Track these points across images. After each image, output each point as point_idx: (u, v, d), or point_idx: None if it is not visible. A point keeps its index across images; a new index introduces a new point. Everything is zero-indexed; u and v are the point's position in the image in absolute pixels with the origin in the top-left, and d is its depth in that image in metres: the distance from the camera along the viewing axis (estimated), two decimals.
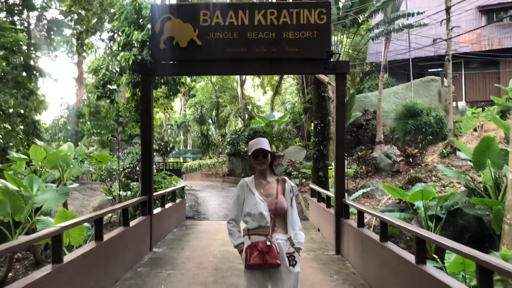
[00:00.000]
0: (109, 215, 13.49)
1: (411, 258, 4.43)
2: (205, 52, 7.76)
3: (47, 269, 4.14)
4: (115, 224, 13.06)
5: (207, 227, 10.74)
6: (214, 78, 44.96)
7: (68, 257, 4.52)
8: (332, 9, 16.23)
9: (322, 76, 11.48)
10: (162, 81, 17.04)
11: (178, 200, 11.09)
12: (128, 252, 6.53)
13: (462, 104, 24.84)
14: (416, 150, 14.72)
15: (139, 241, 7.27)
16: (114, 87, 16.59)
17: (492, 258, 3.21)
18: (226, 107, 42.70)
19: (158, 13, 7.88)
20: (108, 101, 17.70)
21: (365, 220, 11.61)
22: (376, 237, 5.59)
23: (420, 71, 25.36)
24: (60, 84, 78.55)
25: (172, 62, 8.00)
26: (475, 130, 19.63)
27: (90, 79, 38.97)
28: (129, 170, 13.55)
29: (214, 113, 42.61)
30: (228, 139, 23.26)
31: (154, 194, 8.77)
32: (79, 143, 22.35)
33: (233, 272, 6.34)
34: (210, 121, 40.49)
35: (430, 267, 4.16)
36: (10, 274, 11.49)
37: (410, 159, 14.05)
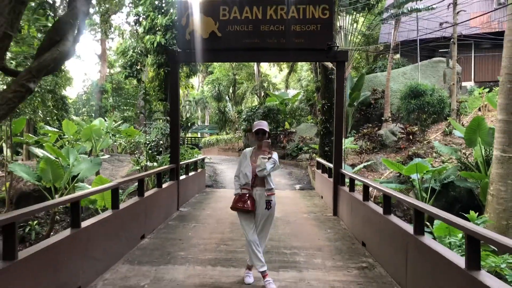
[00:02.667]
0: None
1: (380, 210, 5.82)
2: (224, 42, 9.09)
3: (108, 212, 5.66)
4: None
5: (225, 193, 12.25)
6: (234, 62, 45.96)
7: (122, 205, 6.03)
8: None
9: (326, 62, 12.71)
10: (183, 63, 18.39)
11: (199, 170, 12.59)
12: (161, 208, 8.07)
13: (471, 84, 25.62)
14: (416, 128, 15.87)
15: (169, 201, 8.81)
16: (140, 67, 18.03)
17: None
18: (243, 84, 43.82)
19: (184, 8, 9.20)
20: (132, 79, 19.17)
21: (373, 193, 13.01)
22: (361, 198, 6.98)
23: (431, 53, 26.10)
24: (83, 61, 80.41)
25: (196, 50, 9.33)
26: (479, 110, 20.56)
27: (113, 56, 40.50)
28: (155, 143, 15.03)
29: (231, 90, 43.81)
30: (244, 116, 24.61)
31: (182, 162, 10.26)
32: (106, 119, 23.99)
33: None
34: (227, 98, 41.77)
35: (392, 217, 5.53)
36: (52, 233, 13.24)
37: (410, 136, 15.25)
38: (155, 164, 14.22)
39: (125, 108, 37.52)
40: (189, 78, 19.88)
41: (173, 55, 9.47)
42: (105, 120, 22.59)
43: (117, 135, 15.31)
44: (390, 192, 5.50)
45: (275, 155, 4.95)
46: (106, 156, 16.38)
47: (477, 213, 12.33)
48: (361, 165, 14.09)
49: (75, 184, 13.11)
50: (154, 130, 15.84)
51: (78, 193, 5.00)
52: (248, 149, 5.18)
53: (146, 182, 14.24)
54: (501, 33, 24.79)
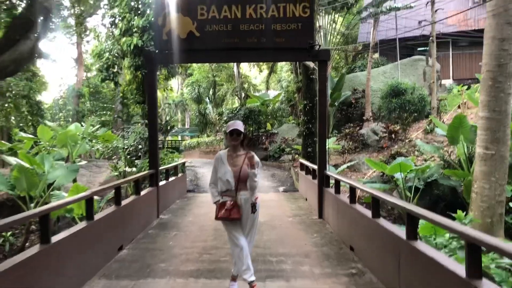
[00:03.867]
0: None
1: (368, 213, 5.60)
2: (203, 43, 8.78)
3: (83, 224, 5.30)
4: (123, 196, 14.20)
5: (206, 198, 11.90)
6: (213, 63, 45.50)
7: (97, 216, 5.67)
8: None
9: (309, 62, 12.52)
10: (161, 64, 17.99)
11: (180, 175, 12.24)
12: (140, 216, 7.71)
13: (449, 82, 25.86)
14: (399, 127, 15.84)
15: (149, 208, 8.45)
16: (117, 69, 17.56)
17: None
18: (223, 85, 43.49)
19: (161, 7, 8.86)
20: (109, 83, 18.70)
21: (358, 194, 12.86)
22: (347, 200, 6.76)
23: (410, 51, 26.27)
24: (59, 65, 78.78)
25: (173, 51, 8.99)
26: (459, 107, 20.69)
27: (89, 59, 39.68)
28: (133, 148, 14.63)
29: (211, 92, 43.42)
30: (225, 118, 24.31)
31: (161, 168, 9.91)
32: (83, 123, 23.40)
33: None
34: (207, 100, 41.40)
35: (382, 220, 5.32)
36: (27, 244, 12.70)
37: (393, 135, 15.19)
38: (134, 169, 13.81)
39: (102, 112, 36.82)
40: (168, 80, 19.50)
41: (149, 56, 9.11)
42: (82, 125, 22.01)
43: (93, 141, 14.83)
44: (379, 195, 5.29)
45: (256, 158, 4.72)
46: (83, 163, 15.87)
47: (464, 212, 12.41)
48: (344, 166, 13.95)
49: (51, 193, 12.62)
50: (132, 134, 15.43)
51: (46, 206, 4.64)
52: (222, 152, 4.83)
53: (125, 189, 13.83)
54: (478, 31, 25.22)
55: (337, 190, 7.76)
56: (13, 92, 15.62)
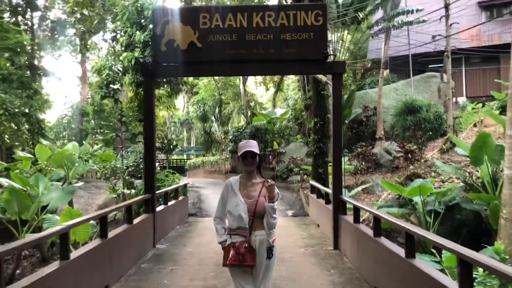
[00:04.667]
0: (114, 213, 13.79)
1: (400, 251, 4.66)
2: (205, 54, 7.97)
3: (55, 265, 4.39)
4: (119, 221, 13.33)
5: (209, 223, 10.95)
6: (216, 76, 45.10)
7: (74, 254, 4.77)
8: (332, 7, 16.46)
9: (320, 76, 11.70)
10: (164, 80, 17.26)
11: (180, 198, 11.34)
12: (132, 248, 6.79)
13: (462, 99, 24.94)
14: (415, 146, 14.89)
15: (143, 238, 7.53)
16: (118, 86, 16.83)
17: (472, 252, 3.36)
18: (229, 104, 42.84)
19: (160, 16, 8.09)
20: (112, 100, 17.94)
21: (365, 216, 11.87)
22: (370, 232, 5.81)
23: (421, 67, 25.45)
24: (64, 83, 79.02)
25: (173, 64, 8.19)
26: (475, 125, 19.75)
27: (94, 77, 39.28)
28: (133, 168, 13.78)
29: (217, 110, 42.77)
30: (231, 137, 23.48)
31: (157, 192, 9.03)
32: (84, 142, 22.64)
33: None
34: (213, 118, 40.72)
35: (418, 261, 4.38)
36: (18, 271, 11.79)
37: (409, 155, 14.23)
38: (133, 191, 12.95)
39: (106, 131, 36.22)
40: (172, 98, 18.75)
41: (147, 68, 8.30)
42: (82, 144, 21.30)
43: (90, 161, 14.00)
44: (416, 230, 4.34)
45: (276, 188, 3.67)
46: (81, 184, 15.02)
47: (486, 238, 11.38)
48: (359, 188, 12.99)
49: (44, 216, 11.78)
50: (132, 153, 14.61)
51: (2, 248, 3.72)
52: (233, 180, 3.82)
53: (123, 213, 12.96)
54: (491, 46, 24.43)
55: (357, 219, 6.81)
56: (9, 109, 14.87)
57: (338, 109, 8.02)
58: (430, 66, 26.08)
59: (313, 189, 11.35)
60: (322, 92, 12.47)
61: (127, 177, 13.16)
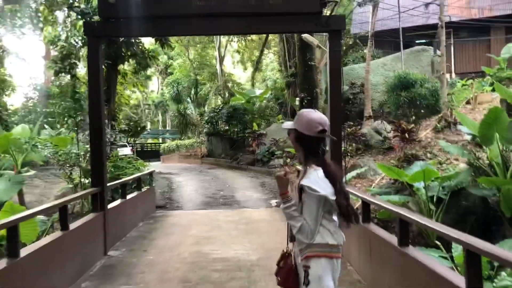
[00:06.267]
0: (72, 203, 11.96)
1: (452, 277, 3.05)
2: (166, 7, 6.18)
3: None
4: (79, 215, 11.50)
5: (180, 218, 9.27)
6: (192, 55, 42.91)
7: None
8: None
9: (310, 38, 9.97)
10: (129, 53, 15.25)
11: (145, 189, 9.58)
12: (67, 263, 5.03)
13: (451, 76, 23.70)
14: (412, 125, 13.41)
15: (87, 245, 5.77)
16: (75, 61, 14.82)
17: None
18: (205, 85, 40.87)
19: None
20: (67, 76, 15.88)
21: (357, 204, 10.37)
22: (393, 240, 4.21)
23: (407, 42, 24.01)
24: (30, 64, 74.88)
25: (124, 19, 6.33)
26: (467, 102, 18.62)
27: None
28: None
29: (193, 92, 40.75)
30: (206, 118, 21.66)
31: (112, 183, 7.28)
32: (46, 127, 20.66)
33: (205, 286, 4.92)
34: (189, 99, 38.69)
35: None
36: None
37: (406, 134, 12.73)
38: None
39: (77, 114, 33.90)
40: (137, 73, 16.78)
41: (90, 27, 6.43)
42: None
43: (39, 146, 12.05)
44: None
45: (306, 178, 2.52)
46: (32, 172, 13.10)
47: (495, 227, 10.09)
48: (353, 173, 11.46)
49: None
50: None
51: None
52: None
53: (81, 205, 11.20)
54: (482, 20, 23.13)
55: (367, 217, 5.19)
56: None
57: (337, 75, 6.33)
58: (417, 41, 24.67)
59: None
60: (310, 63, 10.77)
61: (85, 164, 11.28)
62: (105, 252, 6.34)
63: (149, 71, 55.60)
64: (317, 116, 2.53)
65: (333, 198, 2.40)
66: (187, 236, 7.42)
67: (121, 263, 6.00)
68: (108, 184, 6.83)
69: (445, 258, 6.95)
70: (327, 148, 2.76)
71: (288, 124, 2.59)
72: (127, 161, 10.86)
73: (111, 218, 6.71)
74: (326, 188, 2.41)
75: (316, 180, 2.42)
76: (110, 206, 6.88)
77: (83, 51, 14.71)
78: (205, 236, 7.34)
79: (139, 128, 16.13)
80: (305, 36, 13.64)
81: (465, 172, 10.34)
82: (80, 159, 11.43)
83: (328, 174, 2.46)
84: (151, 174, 10.39)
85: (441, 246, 7.26)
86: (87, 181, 11.32)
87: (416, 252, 3.85)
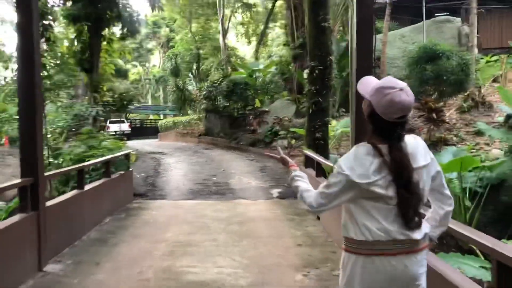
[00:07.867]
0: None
1: None
2: None
3: None
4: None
5: (158, 212, 7.50)
6: (194, 28, 40.73)
7: None
8: None
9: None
10: (113, 15, 13.43)
11: (117, 174, 7.82)
12: None
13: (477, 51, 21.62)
14: (441, 103, 11.52)
15: (8, 261, 4.02)
16: (48, 22, 13.03)
17: None
18: (208, 59, 38.81)
19: None
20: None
21: None
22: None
23: (427, 13, 21.85)
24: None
25: None
26: (493, 80, 16.81)
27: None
28: (61, 131, 10.20)
29: (194, 66, 38.72)
30: (204, 93, 19.77)
31: (58, 170, 5.51)
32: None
33: None
34: (190, 75, 36.70)
35: None
36: None
37: (434, 114, 10.85)
38: (62, 160, 9.35)
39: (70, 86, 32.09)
40: (124, 39, 14.86)
41: None
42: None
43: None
44: None
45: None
46: None
47: None
48: None
49: None
50: (63, 110, 10.97)
51: None
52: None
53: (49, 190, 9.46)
54: None
55: None
56: None
57: (367, 28, 4.44)
58: (436, 15, 22.54)
59: (310, 162, 7.92)
60: (323, 24, 8.81)
61: (52, 143, 9.55)
62: (39, 267, 4.59)
63: (150, 44, 53.67)
64: (403, 99, 1.83)
65: (363, 181, 1.81)
66: (159, 241, 5.65)
67: (56, 285, 4.25)
68: (50, 173, 5.03)
69: (486, 268, 5.28)
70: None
71: (364, 90, 1.92)
72: (100, 139, 9.08)
73: (54, 217, 4.95)
74: (357, 168, 1.83)
75: (347, 156, 1.93)
76: (52, 202, 5.11)
77: (59, 12, 12.89)
78: (183, 243, 5.57)
79: (125, 102, 14.26)
80: None
81: (510, 161, 8.56)
82: (48, 135, 9.70)
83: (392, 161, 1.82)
84: (127, 156, 8.61)
85: (479, 252, 5.56)
86: (55, 161, 9.62)
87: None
